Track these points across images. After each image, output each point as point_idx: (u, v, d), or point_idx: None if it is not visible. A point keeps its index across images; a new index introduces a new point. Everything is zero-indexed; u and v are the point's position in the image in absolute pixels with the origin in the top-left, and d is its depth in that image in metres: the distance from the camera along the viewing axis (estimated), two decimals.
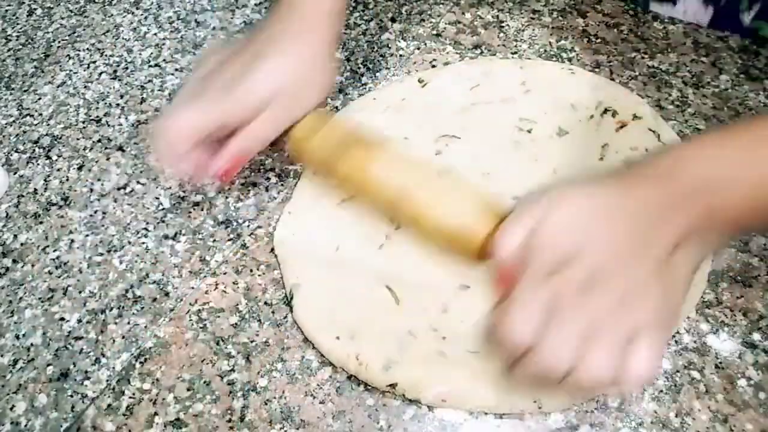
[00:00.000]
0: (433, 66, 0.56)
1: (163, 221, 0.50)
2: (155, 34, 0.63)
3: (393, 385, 0.41)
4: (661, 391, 0.40)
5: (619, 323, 0.35)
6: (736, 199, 0.36)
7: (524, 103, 0.53)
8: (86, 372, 0.44)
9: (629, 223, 0.36)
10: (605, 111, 0.51)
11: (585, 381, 0.35)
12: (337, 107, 0.55)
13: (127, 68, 0.61)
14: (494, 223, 0.40)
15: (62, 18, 0.66)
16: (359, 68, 0.58)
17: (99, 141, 0.56)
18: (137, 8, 0.66)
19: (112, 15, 0.65)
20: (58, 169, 0.54)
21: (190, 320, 0.45)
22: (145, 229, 0.50)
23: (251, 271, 0.47)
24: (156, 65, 0.60)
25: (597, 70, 0.55)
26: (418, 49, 0.58)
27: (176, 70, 0.60)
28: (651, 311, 0.35)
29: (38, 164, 0.55)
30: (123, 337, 0.45)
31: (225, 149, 0.44)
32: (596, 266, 0.35)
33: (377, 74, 0.57)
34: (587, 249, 0.36)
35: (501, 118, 0.52)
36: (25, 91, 0.60)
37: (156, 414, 0.42)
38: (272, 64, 0.44)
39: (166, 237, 0.50)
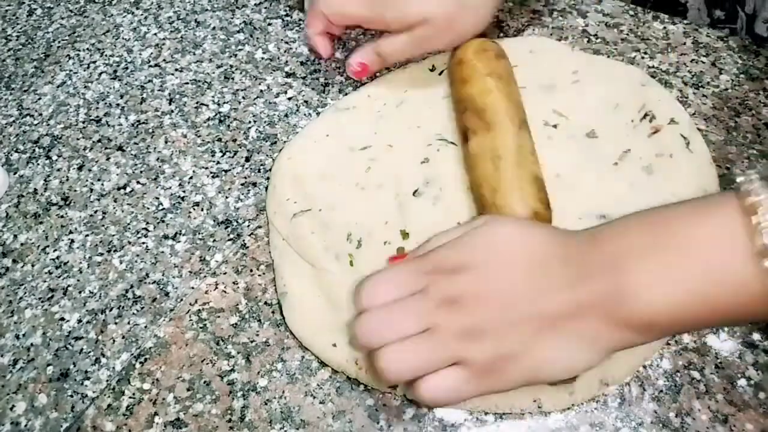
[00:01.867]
0: (432, 68, 0.56)
1: (163, 221, 0.50)
2: (155, 34, 0.63)
3: (393, 386, 0.41)
4: (661, 391, 0.40)
5: (453, 340, 0.35)
6: (652, 290, 0.32)
7: (566, 93, 0.51)
8: (86, 372, 0.44)
9: (537, 268, 0.35)
10: (645, 116, 0.50)
11: (380, 366, 0.35)
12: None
13: (127, 68, 0.61)
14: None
15: (62, 18, 0.66)
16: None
17: (99, 141, 0.56)
18: (137, 8, 0.66)
19: (112, 15, 0.65)
20: (58, 169, 0.54)
21: (190, 320, 0.45)
22: (145, 229, 0.50)
23: (251, 271, 0.47)
24: (156, 65, 0.60)
25: None
26: None
27: (176, 70, 0.60)
28: (489, 351, 0.34)
29: (38, 164, 0.55)
30: (123, 337, 0.45)
31: (368, 47, 0.51)
32: (473, 288, 0.35)
33: (377, 74, 0.57)
34: (480, 270, 0.36)
35: (530, 107, 0.50)
36: (25, 91, 0.60)
37: (156, 414, 0.42)
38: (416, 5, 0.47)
39: (166, 237, 0.50)
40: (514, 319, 0.35)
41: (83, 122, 0.57)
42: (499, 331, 0.35)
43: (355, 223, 0.47)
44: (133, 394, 0.43)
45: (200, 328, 0.45)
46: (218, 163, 0.53)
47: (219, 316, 0.45)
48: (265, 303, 0.46)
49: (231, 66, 0.59)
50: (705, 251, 0.31)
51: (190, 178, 0.52)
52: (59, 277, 0.48)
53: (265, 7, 0.64)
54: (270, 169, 0.52)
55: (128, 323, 0.46)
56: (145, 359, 0.44)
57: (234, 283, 0.47)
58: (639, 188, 0.47)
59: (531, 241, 0.37)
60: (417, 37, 0.49)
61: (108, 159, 0.54)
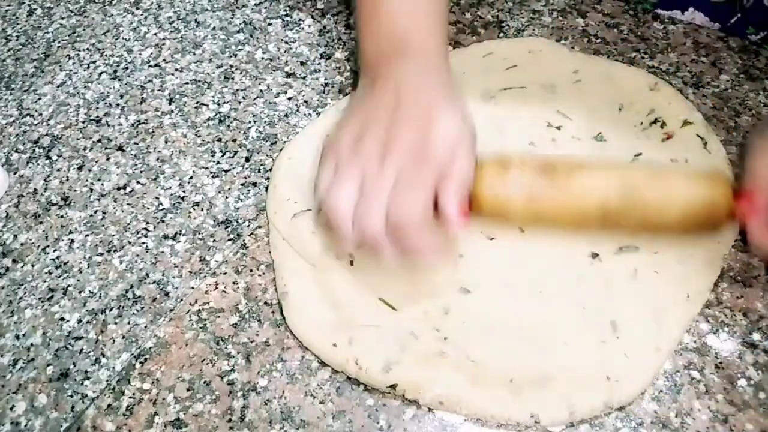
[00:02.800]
0: None
1: (163, 221, 0.50)
2: (155, 34, 0.63)
3: (393, 386, 0.41)
4: (661, 391, 0.40)
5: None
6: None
7: (568, 93, 0.51)
8: (86, 372, 0.44)
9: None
10: (655, 121, 0.50)
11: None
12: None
13: (127, 68, 0.61)
14: (722, 185, 0.41)
15: (62, 18, 0.66)
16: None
17: (99, 141, 0.56)
18: (137, 8, 0.66)
19: (112, 15, 0.65)
20: (58, 169, 0.54)
21: (190, 320, 0.45)
22: (145, 229, 0.50)
23: (251, 271, 0.47)
24: (156, 65, 0.60)
25: None
26: None
27: (176, 70, 0.60)
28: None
29: (38, 164, 0.55)
30: (123, 337, 0.45)
31: (448, 203, 0.40)
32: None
33: None
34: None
35: (533, 107, 0.50)
36: (25, 91, 0.60)
37: (156, 414, 0.42)
38: (451, 113, 0.42)
39: (166, 237, 0.50)
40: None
41: (83, 122, 0.57)
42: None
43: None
44: (133, 394, 0.43)
45: (200, 328, 0.45)
46: (218, 163, 0.53)
47: (219, 316, 0.45)
48: (265, 303, 0.46)
49: (231, 66, 0.59)
50: None
51: (190, 178, 0.52)
52: (59, 277, 0.48)
53: (265, 7, 0.64)
54: (270, 169, 0.52)
55: (128, 323, 0.46)
56: (145, 359, 0.44)
57: (234, 283, 0.47)
58: None
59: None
60: (464, 156, 0.42)
61: (108, 159, 0.54)
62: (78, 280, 0.48)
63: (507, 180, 0.42)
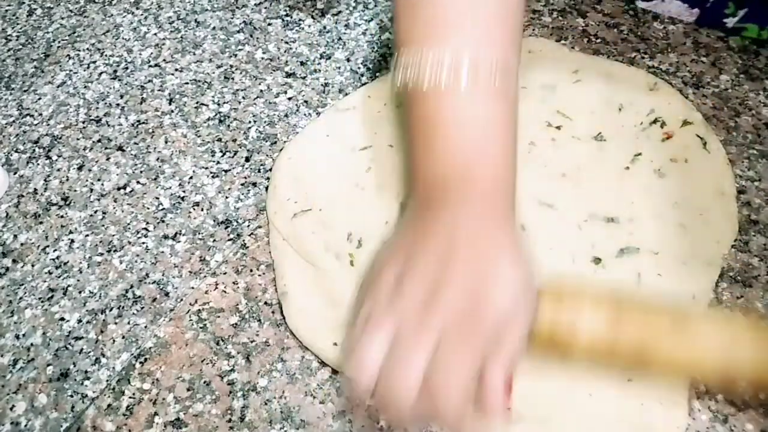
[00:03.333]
0: None
1: (163, 221, 0.50)
2: (155, 34, 0.63)
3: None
4: None
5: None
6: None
7: (567, 93, 0.50)
8: (86, 372, 0.44)
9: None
10: (655, 121, 0.50)
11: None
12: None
13: (127, 68, 0.61)
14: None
15: (62, 18, 0.66)
16: (359, 68, 0.58)
17: (99, 141, 0.56)
18: (137, 8, 0.66)
19: (112, 15, 0.65)
20: (58, 169, 0.54)
21: (190, 320, 0.45)
22: (145, 229, 0.50)
23: (251, 271, 0.47)
24: (156, 65, 0.60)
25: None
26: None
27: (176, 70, 0.60)
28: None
29: (38, 164, 0.55)
30: (123, 337, 0.45)
31: (494, 384, 0.34)
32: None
33: (377, 74, 0.57)
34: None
35: (532, 108, 0.50)
36: (25, 91, 0.60)
37: (156, 414, 0.42)
38: (503, 283, 0.35)
39: (166, 237, 0.50)
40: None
41: (83, 122, 0.57)
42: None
43: (356, 222, 0.47)
44: (133, 394, 0.43)
45: (200, 328, 0.45)
46: (218, 163, 0.53)
47: (219, 316, 0.45)
48: (265, 303, 0.46)
49: (231, 66, 0.59)
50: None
51: (190, 178, 0.52)
52: (59, 277, 0.48)
53: (265, 7, 0.64)
54: (270, 169, 0.52)
55: (128, 323, 0.46)
56: (145, 359, 0.44)
57: (234, 283, 0.47)
58: (651, 191, 0.47)
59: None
60: (518, 322, 0.36)
61: (108, 159, 0.54)
62: (78, 280, 0.48)
63: (575, 327, 0.36)
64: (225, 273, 0.47)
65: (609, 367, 0.38)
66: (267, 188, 0.51)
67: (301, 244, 0.46)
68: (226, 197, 0.51)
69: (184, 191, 0.52)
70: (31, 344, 0.45)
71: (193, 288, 0.47)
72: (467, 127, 0.40)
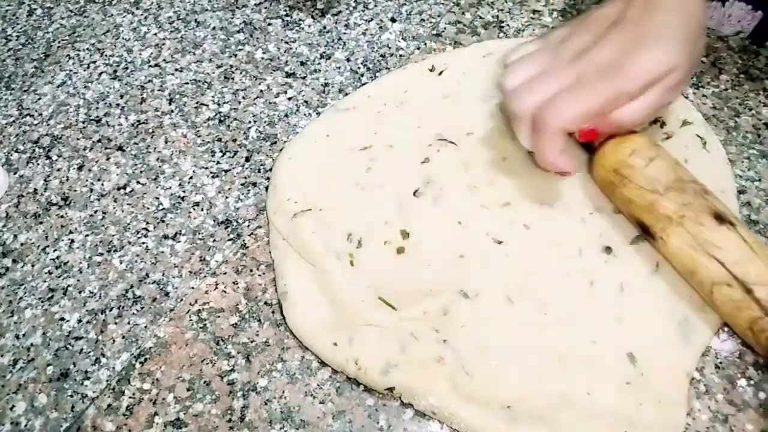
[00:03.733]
0: (432, 69, 0.56)
1: (163, 221, 0.50)
2: (155, 34, 0.63)
3: (391, 389, 0.41)
4: None
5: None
6: None
7: None
8: (86, 372, 0.44)
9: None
10: (654, 121, 0.50)
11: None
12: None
13: (127, 68, 0.61)
14: None
15: (62, 18, 0.66)
16: (359, 68, 0.58)
17: (99, 141, 0.56)
18: (137, 8, 0.66)
19: (112, 15, 0.65)
20: (58, 169, 0.54)
21: (190, 320, 0.45)
22: (145, 229, 0.50)
23: (251, 271, 0.47)
24: (156, 65, 0.60)
25: None
26: (418, 49, 0.58)
27: (176, 70, 0.60)
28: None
29: (38, 164, 0.55)
30: (123, 337, 0.45)
31: (597, 119, 0.42)
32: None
33: (377, 74, 0.57)
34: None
35: None
36: (25, 91, 0.60)
37: (156, 414, 0.42)
38: (658, 52, 0.41)
39: (166, 237, 0.50)
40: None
41: (83, 122, 0.57)
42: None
43: (356, 222, 0.47)
44: (133, 394, 0.43)
45: (200, 328, 0.45)
46: (218, 163, 0.53)
47: (219, 316, 0.45)
48: (265, 303, 0.46)
49: (231, 66, 0.59)
50: None
51: (190, 178, 0.52)
52: (59, 277, 0.48)
53: (265, 7, 0.64)
54: (270, 169, 0.52)
55: (128, 323, 0.46)
56: (145, 359, 0.44)
57: (234, 283, 0.47)
58: None
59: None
60: (665, 88, 0.42)
61: (108, 159, 0.54)
62: (78, 280, 0.48)
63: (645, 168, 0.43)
64: (225, 273, 0.47)
65: (652, 206, 0.42)
66: (267, 188, 0.51)
67: (301, 244, 0.46)
68: (226, 197, 0.51)
69: (184, 191, 0.52)
70: (31, 344, 0.45)
71: (193, 288, 0.47)
72: None
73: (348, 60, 0.59)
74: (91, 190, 0.53)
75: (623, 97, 0.41)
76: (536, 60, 0.45)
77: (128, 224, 0.50)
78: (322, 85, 0.57)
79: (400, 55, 0.58)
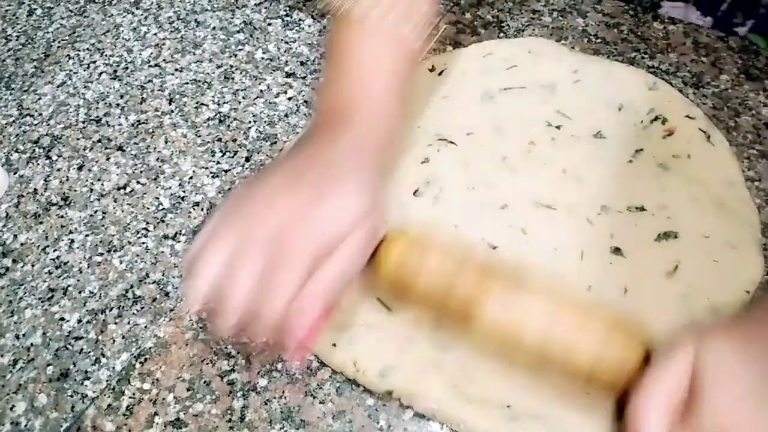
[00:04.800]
0: (432, 69, 0.56)
1: (163, 221, 0.50)
2: (155, 34, 0.63)
3: (389, 392, 0.41)
4: None
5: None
6: None
7: (567, 93, 0.51)
8: (86, 372, 0.44)
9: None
10: (655, 119, 0.50)
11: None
12: None
13: (127, 68, 0.61)
14: (638, 354, 0.36)
15: (62, 18, 0.66)
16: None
17: (99, 141, 0.56)
18: (137, 8, 0.66)
19: (112, 15, 0.65)
20: (58, 169, 0.54)
21: (190, 320, 0.45)
22: (145, 229, 0.50)
23: None
24: (156, 65, 0.60)
25: None
26: None
27: (176, 70, 0.60)
28: None
29: (38, 164, 0.55)
30: (123, 337, 0.45)
31: (311, 304, 0.35)
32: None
33: None
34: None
35: (533, 107, 0.50)
36: (25, 91, 0.60)
37: (156, 414, 0.42)
38: (343, 203, 0.37)
39: (166, 237, 0.50)
40: None
41: (83, 122, 0.57)
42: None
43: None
44: (133, 394, 0.43)
45: (200, 328, 0.45)
46: (218, 163, 0.53)
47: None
48: None
49: (231, 66, 0.59)
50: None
51: (190, 178, 0.52)
52: (59, 277, 0.48)
53: (265, 7, 0.64)
54: None
55: (128, 323, 0.46)
56: (145, 359, 0.44)
57: None
58: (658, 183, 0.47)
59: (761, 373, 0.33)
60: (362, 238, 0.37)
61: (108, 159, 0.54)
62: (78, 280, 0.48)
63: (421, 265, 0.39)
64: None
65: (441, 315, 0.40)
66: None
67: None
68: (226, 197, 0.51)
69: (184, 191, 0.52)
70: (31, 344, 0.45)
71: None
72: (361, 63, 0.42)
73: None
74: (91, 190, 0.53)
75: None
76: (223, 235, 0.37)
77: (128, 224, 0.50)
78: None
79: None
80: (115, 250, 0.49)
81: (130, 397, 0.43)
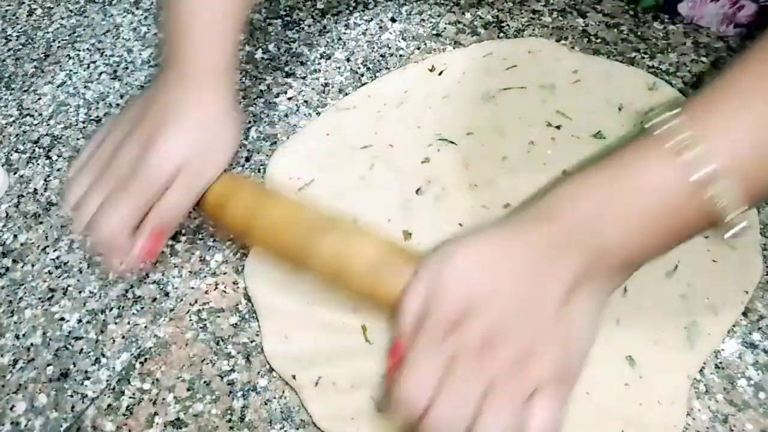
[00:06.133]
0: (432, 69, 0.56)
1: None
2: (155, 34, 0.63)
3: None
4: None
5: (516, 381, 0.34)
6: (623, 238, 0.35)
7: (567, 93, 0.51)
8: (86, 372, 0.44)
9: (517, 271, 0.35)
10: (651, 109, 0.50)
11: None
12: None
13: (127, 68, 0.61)
14: (406, 272, 0.38)
15: (62, 18, 0.66)
16: (359, 68, 0.58)
17: None
18: (137, 8, 0.66)
19: (112, 15, 0.65)
20: (58, 169, 0.54)
21: (190, 320, 0.45)
22: None
23: None
24: (156, 65, 0.60)
25: None
26: (418, 49, 0.58)
27: None
28: (549, 367, 0.34)
29: (38, 164, 0.55)
30: (123, 337, 0.45)
31: (143, 229, 0.43)
32: (491, 323, 0.35)
33: (377, 74, 0.57)
34: (480, 305, 0.35)
35: (533, 107, 0.50)
36: (25, 91, 0.60)
37: (156, 414, 0.42)
38: (172, 138, 0.43)
39: None
40: (536, 328, 0.35)
41: (83, 122, 0.57)
42: (536, 342, 0.34)
43: (357, 222, 0.47)
44: (133, 394, 0.43)
45: (200, 328, 0.45)
46: None
47: (219, 316, 0.45)
48: None
49: None
50: (651, 197, 0.35)
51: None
52: (59, 277, 0.48)
53: (265, 7, 0.64)
54: None
55: (128, 323, 0.46)
56: (145, 359, 0.44)
57: (234, 283, 0.47)
58: None
59: (496, 260, 0.36)
60: (182, 183, 0.43)
61: None
62: (78, 280, 0.48)
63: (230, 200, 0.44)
64: (225, 273, 0.47)
65: (252, 241, 0.45)
66: None
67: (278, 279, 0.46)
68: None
69: None
70: (31, 344, 0.45)
71: (193, 288, 0.47)
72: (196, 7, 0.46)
73: (348, 60, 0.59)
74: None
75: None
76: (97, 185, 0.44)
77: None
78: (322, 85, 0.57)
79: (400, 55, 0.58)
80: None
81: (130, 397, 0.43)
